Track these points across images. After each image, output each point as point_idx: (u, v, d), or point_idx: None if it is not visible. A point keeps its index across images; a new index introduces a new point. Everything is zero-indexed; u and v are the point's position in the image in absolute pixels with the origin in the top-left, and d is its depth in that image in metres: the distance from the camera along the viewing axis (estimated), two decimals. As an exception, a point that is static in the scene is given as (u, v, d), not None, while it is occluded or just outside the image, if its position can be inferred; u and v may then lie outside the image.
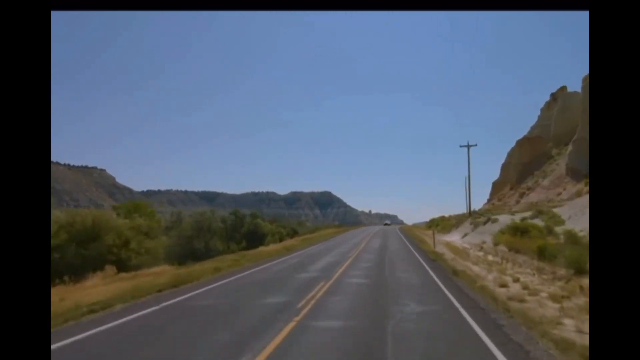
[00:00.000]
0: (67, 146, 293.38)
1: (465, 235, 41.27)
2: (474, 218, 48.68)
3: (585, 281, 12.52)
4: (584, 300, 10.26)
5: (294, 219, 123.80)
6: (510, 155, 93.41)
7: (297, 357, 6.05)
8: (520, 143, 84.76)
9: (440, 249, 27.76)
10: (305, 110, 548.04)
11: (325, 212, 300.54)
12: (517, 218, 35.42)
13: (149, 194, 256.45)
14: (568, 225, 27.64)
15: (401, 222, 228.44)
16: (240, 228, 48.07)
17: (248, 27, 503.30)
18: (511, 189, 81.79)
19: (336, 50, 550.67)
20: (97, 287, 15.08)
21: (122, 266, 22.16)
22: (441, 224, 74.13)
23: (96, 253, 21.51)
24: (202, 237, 44.50)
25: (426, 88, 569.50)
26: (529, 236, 24.39)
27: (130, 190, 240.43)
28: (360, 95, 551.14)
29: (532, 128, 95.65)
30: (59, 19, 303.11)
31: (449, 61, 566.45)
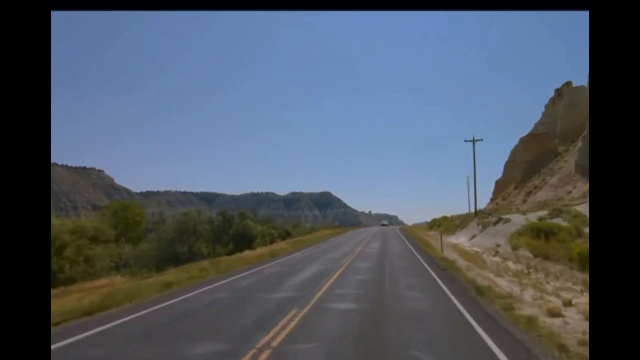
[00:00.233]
0: (65, 147, 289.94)
1: (473, 237, 37.13)
2: (480, 218, 44.57)
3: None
4: None
5: (293, 220, 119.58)
6: (514, 153, 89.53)
7: None
8: (525, 140, 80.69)
9: (449, 253, 23.66)
10: (304, 110, 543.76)
11: (325, 212, 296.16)
12: (532, 218, 31.31)
13: (147, 194, 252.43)
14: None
15: (401, 223, 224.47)
16: (228, 230, 43.98)
17: (248, 27, 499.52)
18: (516, 187, 77.79)
19: (336, 51, 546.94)
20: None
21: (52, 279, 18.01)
22: (444, 225, 69.97)
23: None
24: (186, 240, 40.45)
25: (426, 88, 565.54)
26: (556, 239, 20.29)
27: (128, 191, 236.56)
28: (360, 95, 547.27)
29: (537, 125, 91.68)
30: (59, 19, 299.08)
31: (449, 61, 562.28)
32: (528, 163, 76.58)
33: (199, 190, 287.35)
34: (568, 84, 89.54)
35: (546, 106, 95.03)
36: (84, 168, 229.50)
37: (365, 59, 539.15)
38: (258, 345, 6.43)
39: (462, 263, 18.62)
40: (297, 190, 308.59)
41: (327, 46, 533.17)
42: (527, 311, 8.90)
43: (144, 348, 6.61)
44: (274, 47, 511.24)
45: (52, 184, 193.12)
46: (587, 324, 8.02)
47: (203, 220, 44.53)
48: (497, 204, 76.03)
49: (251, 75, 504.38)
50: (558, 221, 27.82)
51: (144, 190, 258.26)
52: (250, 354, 6.04)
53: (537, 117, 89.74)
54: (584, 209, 31.67)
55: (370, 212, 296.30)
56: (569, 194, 55.47)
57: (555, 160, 70.47)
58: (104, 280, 16.73)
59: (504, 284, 13.20)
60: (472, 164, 49.91)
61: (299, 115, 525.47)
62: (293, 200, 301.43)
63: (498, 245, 26.61)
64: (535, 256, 19.29)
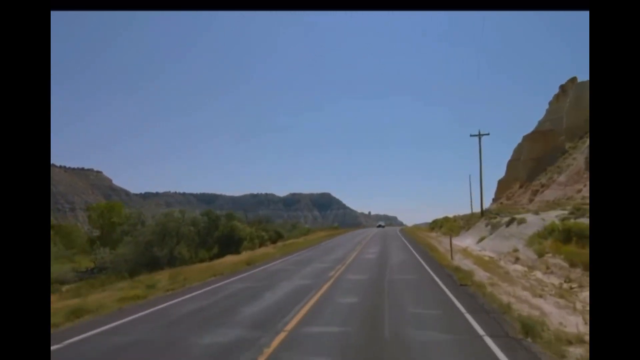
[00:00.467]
0: (63, 148, 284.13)
1: (482, 239, 33.08)
2: (488, 218, 40.53)
3: None
4: None
5: (292, 221, 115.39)
6: (518, 151, 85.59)
7: None
8: (530, 138, 76.53)
9: (460, 259, 19.65)
10: (304, 111, 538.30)
11: (325, 213, 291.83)
12: (549, 218, 27.24)
13: (146, 196, 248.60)
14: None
15: (400, 224, 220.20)
16: (214, 232, 39.95)
17: (247, 28, 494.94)
18: (521, 186, 73.72)
19: (336, 51, 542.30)
20: None
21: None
22: (446, 225, 65.97)
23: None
24: (167, 243, 36.45)
25: (426, 88, 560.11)
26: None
27: (127, 193, 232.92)
28: (360, 96, 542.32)
29: (540, 123, 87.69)
30: (59, 18, 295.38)
31: (448, 61, 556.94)
32: (534, 161, 72.48)
33: (199, 192, 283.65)
34: (573, 79, 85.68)
35: (550, 103, 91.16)
36: (82, 169, 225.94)
37: (365, 60, 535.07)
38: None
39: (481, 274, 14.59)
40: (297, 191, 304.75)
41: (327, 47, 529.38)
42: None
43: None
44: (273, 48, 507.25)
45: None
46: None
47: (187, 222, 40.58)
48: (501, 203, 71.92)
49: (251, 76, 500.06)
50: (583, 221, 23.84)
51: (143, 192, 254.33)
52: None
53: (539, 115, 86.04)
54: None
55: (369, 213, 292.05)
56: (579, 192, 51.34)
57: (563, 158, 66.38)
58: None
59: (552, 311, 9.17)
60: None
61: (299, 116, 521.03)
62: (293, 201, 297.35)
63: (516, 250, 22.55)
64: (573, 265, 15.23)
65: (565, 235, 18.81)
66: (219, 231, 39.34)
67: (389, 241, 34.81)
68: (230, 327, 7.75)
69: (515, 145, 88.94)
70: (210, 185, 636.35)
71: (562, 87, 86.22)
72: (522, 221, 28.48)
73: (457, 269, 15.38)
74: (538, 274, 15.91)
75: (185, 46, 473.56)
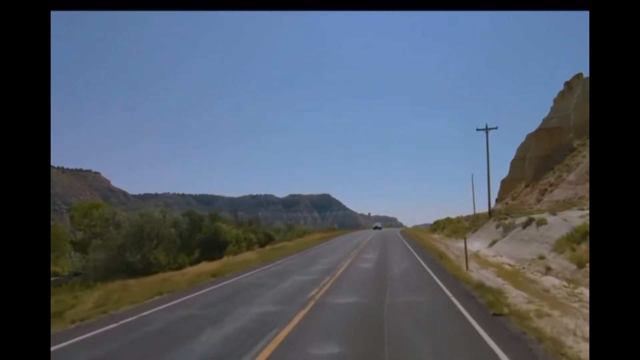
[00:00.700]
0: (61, 149, 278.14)
1: (494, 242, 29.08)
2: (498, 219, 36.53)
3: None
4: None
5: (290, 222, 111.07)
6: (522, 150, 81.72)
7: None
8: (536, 135, 72.46)
9: (476, 269, 15.68)
10: (304, 112, 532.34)
11: (324, 214, 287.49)
12: (571, 218, 23.23)
13: (145, 197, 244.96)
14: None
15: (400, 225, 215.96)
16: (197, 234, 35.94)
17: (247, 28, 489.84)
18: (527, 186, 69.72)
19: (336, 52, 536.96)
20: None
21: None
22: (449, 227, 61.97)
23: None
24: (145, 247, 32.46)
25: (426, 88, 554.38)
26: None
27: (125, 194, 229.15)
28: (360, 96, 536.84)
29: (545, 121, 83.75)
30: (59, 18, 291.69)
31: (449, 61, 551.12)
32: (540, 159, 68.48)
33: (198, 193, 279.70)
34: (579, 76, 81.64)
35: (555, 100, 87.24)
36: (80, 170, 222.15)
37: (365, 60, 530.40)
38: None
39: (514, 294, 10.59)
40: (297, 192, 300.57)
41: (326, 47, 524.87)
42: None
43: None
44: (273, 48, 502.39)
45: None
46: None
47: (167, 223, 36.56)
48: (506, 204, 67.83)
49: (250, 77, 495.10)
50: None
51: (142, 193, 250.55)
52: None
53: (541, 114, 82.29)
54: None
55: (369, 214, 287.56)
56: (592, 191, 47.44)
57: (571, 156, 62.37)
58: None
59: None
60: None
61: (298, 117, 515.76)
62: (292, 202, 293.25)
63: (542, 257, 18.53)
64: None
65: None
66: (201, 233, 35.38)
67: (389, 245, 30.77)
68: None
69: (517, 144, 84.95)
70: (210, 186, 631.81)
71: (567, 83, 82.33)
72: (542, 222, 24.42)
73: (480, 286, 11.37)
74: (586, 292, 11.92)
75: (184, 46, 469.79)
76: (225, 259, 24.39)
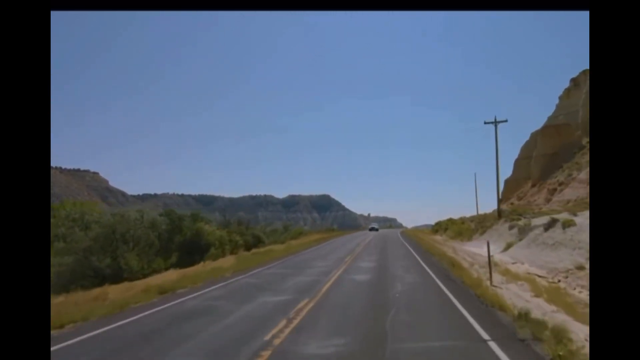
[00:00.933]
0: (59, 148, 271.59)
1: (509, 246, 25.28)
2: (509, 219, 32.71)
3: None
4: None
5: (286, 222, 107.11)
6: (526, 149, 78.14)
7: None
8: (542, 133, 68.66)
9: (503, 283, 11.89)
10: (304, 112, 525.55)
11: (324, 215, 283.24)
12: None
13: (144, 197, 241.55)
14: None
15: (400, 226, 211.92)
16: (177, 235, 32.09)
17: (246, 30, 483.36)
18: (533, 185, 65.98)
19: (335, 52, 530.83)
20: None
21: None
22: (452, 228, 58.11)
23: None
24: (117, 250, 28.65)
25: (426, 88, 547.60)
26: None
27: (123, 194, 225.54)
28: (360, 96, 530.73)
29: (550, 118, 79.95)
30: (59, 18, 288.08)
31: (448, 61, 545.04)
32: (547, 157, 64.68)
33: (197, 193, 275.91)
34: (586, 72, 77.91)
35: (560, 98, 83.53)
36: (78, 170, 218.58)
37: (365, 60, 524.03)
38: None
39: (584, 335, 6.77)
40: (296, 193, 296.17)
41: (326, 47, 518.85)
42: None
43: None
44: (273, 49, 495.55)
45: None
46: None
47: (145, 224, 32.69)
48: (512, 204, 64.00)
49: (250, 77, 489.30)
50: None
51: (141, 193, 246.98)
52: None
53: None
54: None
55: (369, 214, 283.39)
56: (606, 191, 43.66)
57: (581, 154, 58.61)
58: None
59: None
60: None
61: (298, 117, 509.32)
62: (292, 203, 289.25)
63: (581, 267, 14.73)
64: None
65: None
66: (181, 235, 31.60)
67: (389, 249, 26.92)
68: None
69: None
70: (209, 187, 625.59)
71: (573, 80, 78.63)
72: (569, 223, 20.56)
73: (524, 316, 7.55)
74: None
75: (184, 46, 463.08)
76: (197, 267, 20.59)
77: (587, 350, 5.97)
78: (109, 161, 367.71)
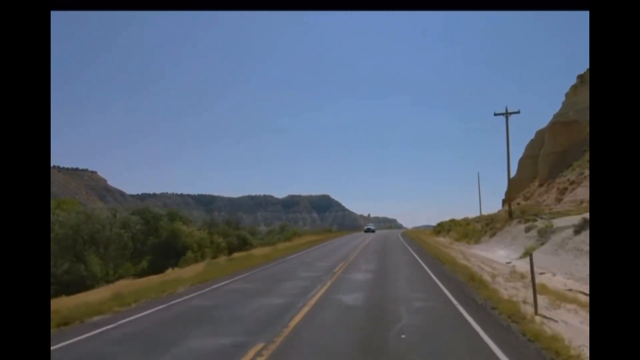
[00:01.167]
0: (57, 147, 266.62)
1: (529, 252, 21.47)
2: (524, 220, 28.95)
3: None
4: None
5: (283, 223, 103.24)
6: (532, 147, 74.28)
7: None
8: (551, 130, 64.80)
9: (546, 307, 8.09)
10: (303, 112, 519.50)
11: (324, 215, 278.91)
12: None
13: (143, 197, 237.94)
14: None
15: (400, 226, 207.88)
16: (151, 237, 28.36)
17: (246, 30, 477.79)
18: (541, 184, 62.17)
19: (335, 53, 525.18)
20: None
21: None
22: (455, 229, 54.37)
23: None
24: (86, 251, 24.94)
25: (426, 88, 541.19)
26: None
27: (122, 193, 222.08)
28: (360, 97, 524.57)
29: (556, 116, 76.09)
30: (59, 18, 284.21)
31: (449, 62, 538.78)
32: (556, 155, 60.85)
33: (197, 193, 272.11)
34: (593, 67, 73.70)
35: (567, 95, 79.54)
36: (77, 169, 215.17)
37: (365, 60, 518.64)
38: None
39: None
40: (296, 193, 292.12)
41: (326, 47, 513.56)
42: None
43: None
44: (273, 49, 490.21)
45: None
46: None
47: (117, 224, 28.94)
48: (518, 204, 60.17)
49: (250, 77, 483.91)
50: None
51: (140, 193, 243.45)
52: None
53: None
54: None
55: (369, 215, 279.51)
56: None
57: (592, 151, 54.96)
58: None
59: None
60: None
61: (298, 118, 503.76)
62: (291, 203, 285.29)
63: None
64: None
65: None
66: (156, 236, 27.84)
67: (390, 254, 23.10)
68: None
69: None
70: (209, 187, 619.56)
71: (580, 77, 74.58)
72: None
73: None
74: None
75: (184, 46, 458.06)
76: (157, 276, 16.86)
77: None
78: (108, 161, 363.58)
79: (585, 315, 8.33)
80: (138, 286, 13.03)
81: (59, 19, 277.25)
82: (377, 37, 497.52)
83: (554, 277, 15.07)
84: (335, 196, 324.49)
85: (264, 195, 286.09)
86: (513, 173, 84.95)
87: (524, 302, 9.09)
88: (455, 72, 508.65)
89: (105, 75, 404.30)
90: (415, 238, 43.66)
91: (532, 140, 78.07)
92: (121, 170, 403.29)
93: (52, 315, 8.55)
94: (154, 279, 15.58)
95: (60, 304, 10.36)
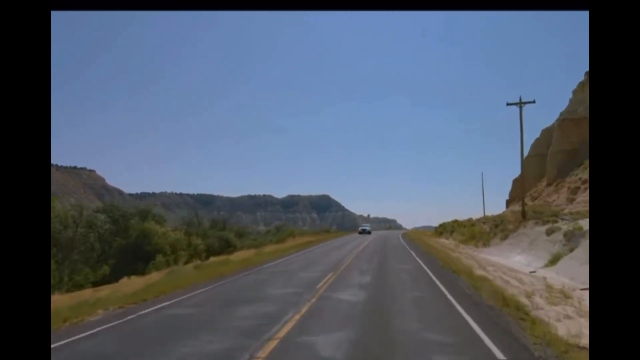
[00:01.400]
0: (55, 146, 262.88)
1: (556, 260, 17.78)
2: (542, 222, 25.31)
3: None
4: None
5: (279, 223, 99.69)
6: (537, 145, 70.68)
7: None
8: (560, 127, 61.06)
9: None
10: (303, 112, 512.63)
11: (323, 215, 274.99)
12: None
13: (142, 196, 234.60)
14: None
15: (400, 227, 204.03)
16: (119, 238, 24.72)
17: (246, 30, 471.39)
18: (549, 184, 58.53)
19: (335, 53, 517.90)
20: None
21: None
22: (459, 230, 50.72)
23: None
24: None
25: (426, 89, 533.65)
26: None
27: (120, 192, 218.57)
28: (360, 97, 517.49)
29: (563, 114, 72.51)
30: (59, 18, 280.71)
31: (449, 62, 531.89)
32: (566, 153, 57.12)
33: (196, 192, 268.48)
34: (603, 63, 70.02)
35: (574, 92, 75.91)
36: (75, 168, 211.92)
37: (364, 60, 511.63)
38: None
39: None
40: (296, 193, 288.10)
41: (326, 48, 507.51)
42: None
43: None
44: (273, 49, 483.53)
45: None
46: None
47: (82, 223, 25.17)
48: (526, 204, 56.55)
49: (250, 77, 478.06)
50: None
51: (139, 192, 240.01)
52: None
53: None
54: None
55: (369, 215, 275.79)
56: None
57: (605, 149, 51.37)
58: None
59: None
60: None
61: (298, 117, 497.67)
62: (291, 203, 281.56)
63: None
64: None
65: None
66: (123, 237, 24.18)
67: (391, 260, 19.41)
68: None
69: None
70: (208, 186, 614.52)
71: (588, 73, 71.22)
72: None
73: None
74: None
75: (184, 46, 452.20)
76: (93, 290, 13.26)
77: None
78: (108, 160, 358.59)
79: None
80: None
81: (59, 19, 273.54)
82: (377, 37, 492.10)
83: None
84: (335, 196, 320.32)
85: (264, 195, 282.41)
86: (518, 172, 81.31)
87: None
88: (455, 72, 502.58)
89: (105, 75, 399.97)
90: (417, 240, 39.97)
91: (537, 139, 74.51)
92: (120, 169, 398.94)
93: None
94: (85, 293, 11.99)
95: None
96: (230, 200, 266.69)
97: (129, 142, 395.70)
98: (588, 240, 17.26)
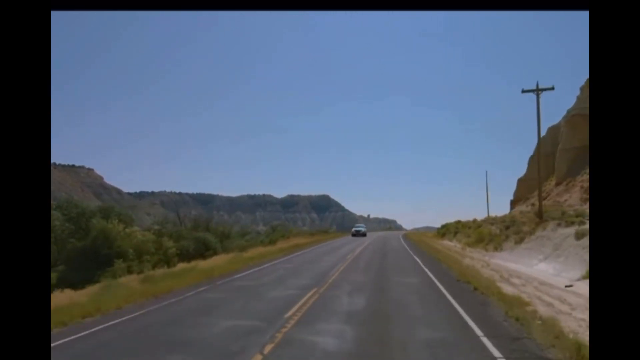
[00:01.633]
0: (60, 148, 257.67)
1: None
2: (568, 223, 21.83)
3: None
4: None
5: (274, 223, 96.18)
6: (543, 144, 67.12)
7: None
8: (569, 124, 57.56)
9: None
10: (304, 112, 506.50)
11: (323, 215, 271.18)
12: None
13: (141, 195, 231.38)
14: None
15: (400, 227, 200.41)
16: (73, 240, 21.21)
17: (246, 30, 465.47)
18: (558, 183, 55.11)
19: (335, 53, 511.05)
20: None
21: None
22: (463, 232, 47.13)
23: None
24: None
25: (426, 89, 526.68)
26: None
27: (119, 191, 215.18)
28: (360, 97, 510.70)
29: (570, 111, 68.98)
30: (59, 18, 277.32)
31: (449, 62, 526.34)
32: (576, 151, 53.58)
33: (195, 192, 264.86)
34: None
35: (581, 88, 72.24)
36: (73, 166, 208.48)
37: (365, 60, 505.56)
38: None
39: None
40: (295, 193, 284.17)
41: (326, 48, 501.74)
42: None
43: None
44: (273, 49, 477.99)
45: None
46: None
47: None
48: (533, 204, 53.07)
49: (250, 77, 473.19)
50: None
51: (137, 191, 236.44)
52: None
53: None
54: None
55: (369, 216, 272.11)
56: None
57: (619, 146, 47.88)
58: None
59: None
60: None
61: (298, 117, 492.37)
62: (291, 203, 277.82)
63: None
64: None
65: None
66: (78, 239, 20.69)
67: (391, 269, 15.84)
68: None
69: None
70: (208, 186, 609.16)
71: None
72: None
73: None
74: None
75: (184, 47, 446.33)
76: None
77: None
78: (107, 159, 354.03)
79: None
80: None
81: (59, 19, 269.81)
82: (377, 37, 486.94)
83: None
84: (335, 196, 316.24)
85: (263, 195, 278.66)
86: (522, 172, 77.61)
87: None
88: (455, 72, 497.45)
89: (105, 75, 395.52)
90: (420, 242, 36.37)
91: (544, 137, 70.88)
92: (119, 168, 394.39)
93: None
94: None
95: None
96: (229, 199, 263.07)
97: (129, 141, 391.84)
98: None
